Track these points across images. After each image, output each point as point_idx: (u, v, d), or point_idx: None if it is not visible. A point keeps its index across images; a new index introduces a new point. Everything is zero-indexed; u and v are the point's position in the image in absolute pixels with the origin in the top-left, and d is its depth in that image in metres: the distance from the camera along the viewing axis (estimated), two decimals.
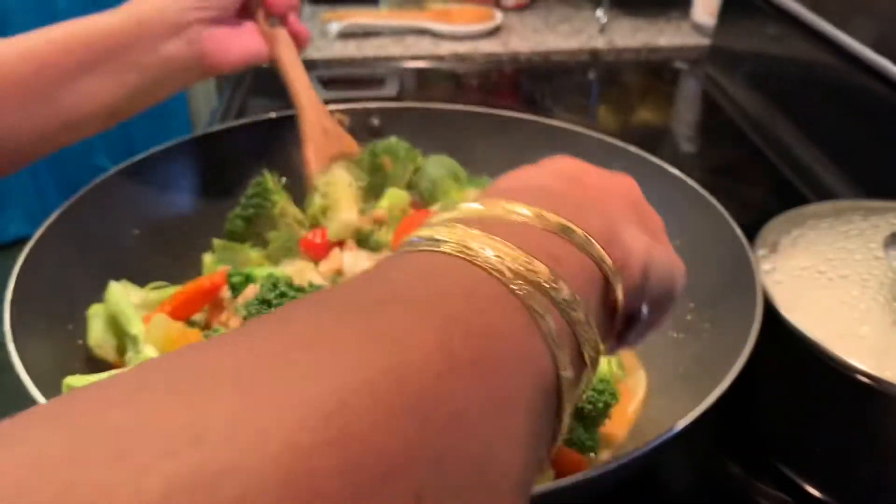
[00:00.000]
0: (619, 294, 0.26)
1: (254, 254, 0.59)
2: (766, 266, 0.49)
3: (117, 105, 0.54)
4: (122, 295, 0.51)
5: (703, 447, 0.51)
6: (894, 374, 0.42)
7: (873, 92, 0.79)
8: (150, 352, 0.47)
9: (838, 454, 0.46)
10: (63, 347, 0.49)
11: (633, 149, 0.61)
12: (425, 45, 1.13)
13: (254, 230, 0.61)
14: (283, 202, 0.61)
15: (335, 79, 1.05)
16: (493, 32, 1.17)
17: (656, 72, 1.13)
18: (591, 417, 0.46)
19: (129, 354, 0.48)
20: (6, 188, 1.65)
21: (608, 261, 0.25)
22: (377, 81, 1.04)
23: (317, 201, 0.61)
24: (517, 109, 0.70)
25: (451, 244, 0.22)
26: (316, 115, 0.64)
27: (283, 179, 0.64)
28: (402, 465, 0.16)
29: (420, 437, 0.16)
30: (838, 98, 0.86)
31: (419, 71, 1.10)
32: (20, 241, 0.51)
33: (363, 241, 0.59)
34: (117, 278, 0.53)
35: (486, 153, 0.66)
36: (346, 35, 1.15)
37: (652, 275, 0.29)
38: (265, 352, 0.17)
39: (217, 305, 0.53)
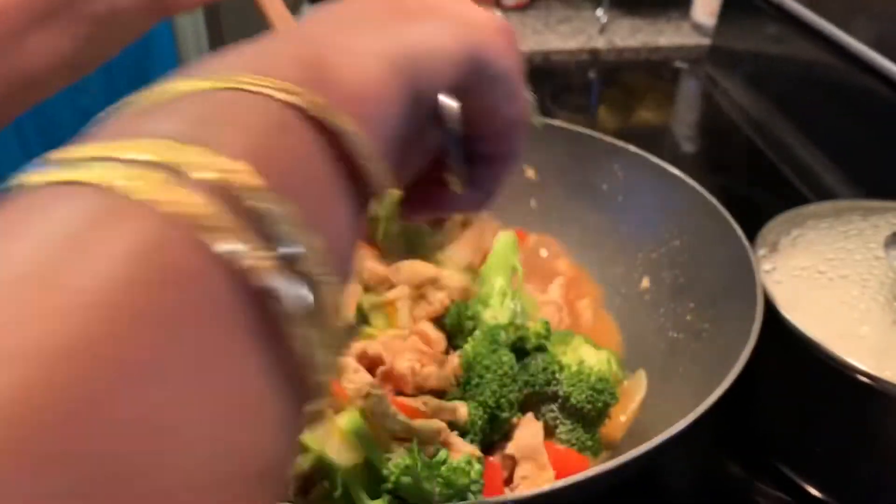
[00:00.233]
0: (351, 128, 0.20)
1: None
2: (766, 266, 0.49)
3: (75, 57, 0.52)
4: None
5: (703, 447, 0.51)
6: (894, 374, 0.42)
7: (873, 92, 0.79)
8: None
9: (838, 454, 0.47)
10: None
11: (633, 149, 0.61)
12: None
13: None
14: None
15: None
16: None
17: (656, 72, 1.13)
18: (590, 418, 0.46)
19: None
20: None
21: (308, 104, 0.19)
22: None
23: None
24: None
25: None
26: None
27: None
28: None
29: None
30: (838, 98, 0.86)
31: None
32: None
33: None
34: None
35: None
36: None
37: (422, 74, 0.23)
38: None
39: None
